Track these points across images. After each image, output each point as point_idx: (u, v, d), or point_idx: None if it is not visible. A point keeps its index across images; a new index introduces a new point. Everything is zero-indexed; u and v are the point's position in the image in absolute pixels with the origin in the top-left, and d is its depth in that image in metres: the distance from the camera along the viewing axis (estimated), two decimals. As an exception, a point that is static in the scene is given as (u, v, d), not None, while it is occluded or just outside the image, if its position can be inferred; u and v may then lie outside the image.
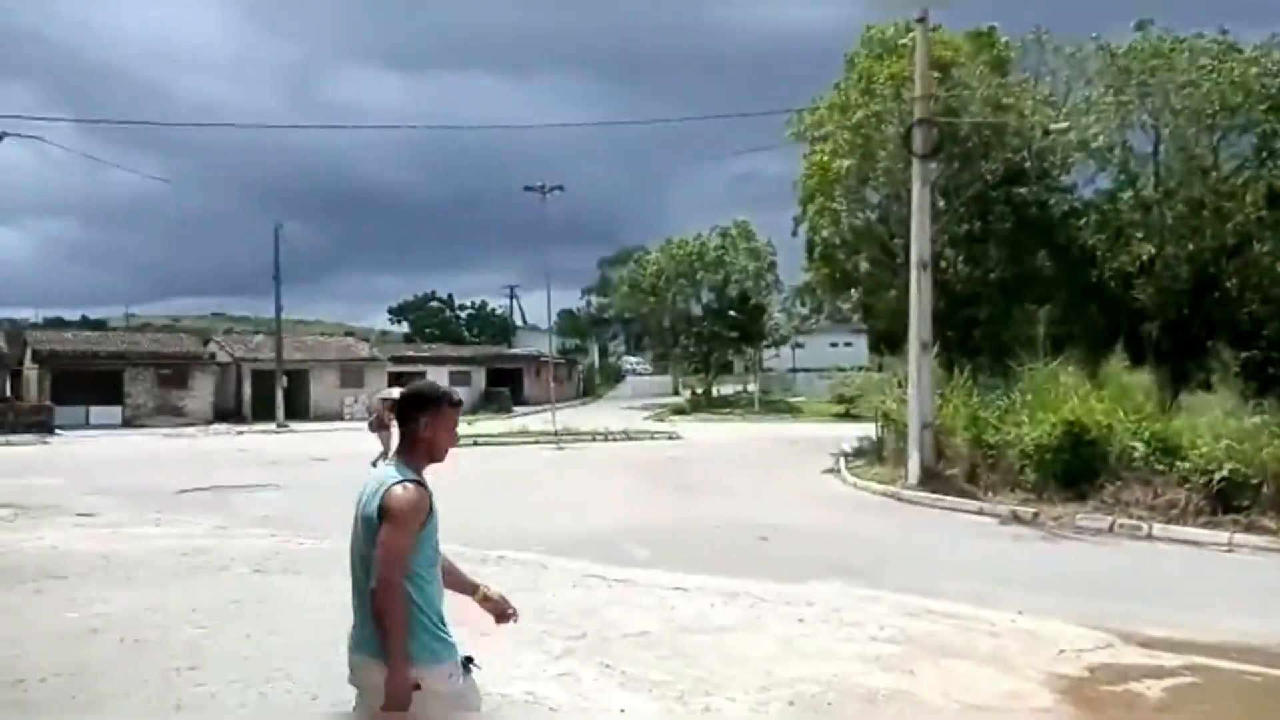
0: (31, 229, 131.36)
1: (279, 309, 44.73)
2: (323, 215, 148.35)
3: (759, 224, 53.57)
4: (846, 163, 22.77)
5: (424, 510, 3.06)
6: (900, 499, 15.58)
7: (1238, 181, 22.15)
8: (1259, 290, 22.08)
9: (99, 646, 6.72)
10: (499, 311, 79.03)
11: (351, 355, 51.12)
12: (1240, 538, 11.21)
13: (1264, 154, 22.08)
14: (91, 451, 28.15)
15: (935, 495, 15.03)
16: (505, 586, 3.69)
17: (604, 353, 79.09)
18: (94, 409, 40.61)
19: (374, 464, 18.94)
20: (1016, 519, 13.27)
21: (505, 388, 53.39)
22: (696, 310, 55.99)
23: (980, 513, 13.89)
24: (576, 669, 6.19)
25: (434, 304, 79.20)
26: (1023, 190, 23.25)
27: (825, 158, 23.48)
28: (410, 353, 56.48)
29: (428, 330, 73.90)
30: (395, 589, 2.96)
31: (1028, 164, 22.91)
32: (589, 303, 72.29)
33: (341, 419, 44.78)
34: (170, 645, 6.69)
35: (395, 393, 27.72)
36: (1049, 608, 7.80)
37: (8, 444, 32.42)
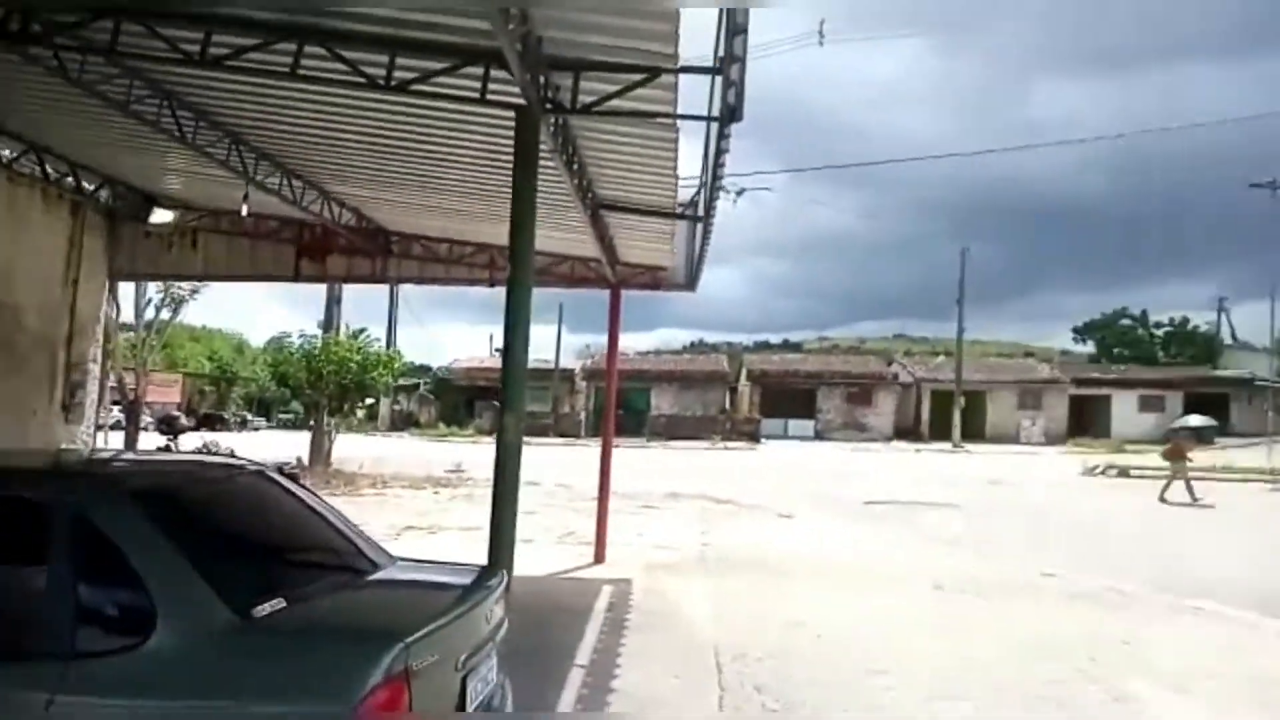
0: (747, 266, 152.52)
1: (960, 331, 45.64)
2: (1007, 234, 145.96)
3: None
4: None
5: None
6: None
7: None
8: None
9: (802, 638, 7.50)
10: (1203, 329, 69.32)
11: (1030, 376, 49.70)
12: None
13: None
14: (790, 459, 31.69)
15: None
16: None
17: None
18: (792, 421, 45.86)
19: (1162, 497, 19.34)
20: None
21: (1207, 416, 46.84)
22: None
23: None
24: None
25: (1125, 322, 72.39)
26: None
27: None
28: (1095, 374, 52.75)
29: (1116, 350, 68.05)
30: None
31: None
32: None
33: (1017, 441, 43.90)
34: (862, 648, 7.19)
35: (1193, 421, 26.66)
36: None
37: (725, 448, 38.24)
